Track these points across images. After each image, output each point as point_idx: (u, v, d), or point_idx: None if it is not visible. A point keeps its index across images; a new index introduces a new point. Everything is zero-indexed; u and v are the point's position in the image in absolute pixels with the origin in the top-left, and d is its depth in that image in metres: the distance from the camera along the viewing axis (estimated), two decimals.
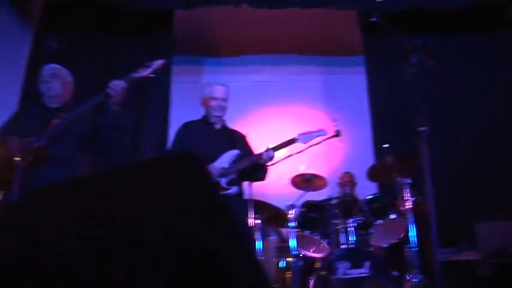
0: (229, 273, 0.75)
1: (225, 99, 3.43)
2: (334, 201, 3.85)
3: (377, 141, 5.29)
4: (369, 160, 5.16)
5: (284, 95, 6.21)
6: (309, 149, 3.64)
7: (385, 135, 5.26)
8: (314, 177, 4.16)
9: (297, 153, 3.74)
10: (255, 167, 3.35)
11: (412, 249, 3.54)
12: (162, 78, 5.45)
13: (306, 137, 3.45)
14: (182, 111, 5.14)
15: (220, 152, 3.29)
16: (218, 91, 3.44)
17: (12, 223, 0.85)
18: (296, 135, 3.44)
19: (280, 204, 4.03)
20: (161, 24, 5.55)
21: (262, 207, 3.93)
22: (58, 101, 3.07)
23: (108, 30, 5.60)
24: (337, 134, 3.73)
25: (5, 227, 0.85)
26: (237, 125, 4.74)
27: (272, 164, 3.51)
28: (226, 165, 3.22)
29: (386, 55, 5.56)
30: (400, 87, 5.42)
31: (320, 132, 3.50)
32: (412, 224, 3.56)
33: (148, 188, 0.82)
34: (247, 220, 3.42)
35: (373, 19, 2.85)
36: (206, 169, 1.06)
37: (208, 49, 6.30)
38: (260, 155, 3.29)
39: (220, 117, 3.46)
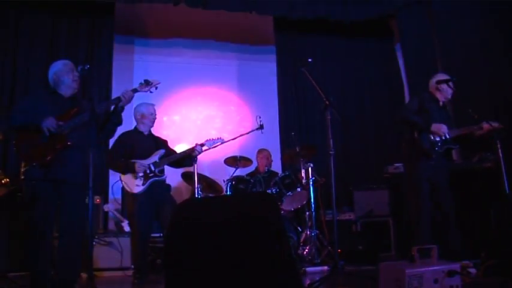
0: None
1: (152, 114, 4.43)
2: (257, 176, 5.04)
3: (283, 122, 6.56)
4: (276, 138, 6.43)
5: (202, 76, 7.11)
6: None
7: (289, 118, 6.59)
8: (242, 158, 5.30)
9: (229, 140, 4.84)
10: (187, 157, 4.44)
11: (311, 212, 4.88)
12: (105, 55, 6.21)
13: (210, 142, 4.56)
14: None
15: (150, 151, 4.31)
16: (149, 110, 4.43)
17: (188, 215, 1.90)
18: (204, 141, 4.50)
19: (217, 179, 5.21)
20: (104, 10, 6.19)
21: (201, 179, 4.98)
22: (73, 91, 3.50)
23: (54, 15, 6.11)
24: (260, 127, 4.90)
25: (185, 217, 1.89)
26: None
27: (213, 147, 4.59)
28: (157, 160, 4.27)
29: (294, 51, 6.80)
30: (305, 81, 6.71)
31: (219, 140, 4.63)
32: (311, 195, 4.89)
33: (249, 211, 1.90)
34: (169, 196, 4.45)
35: (302, 69, 3.99)
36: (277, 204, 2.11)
37: (139, 31, 6.95)
38: (193, 149, 4.40)
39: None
